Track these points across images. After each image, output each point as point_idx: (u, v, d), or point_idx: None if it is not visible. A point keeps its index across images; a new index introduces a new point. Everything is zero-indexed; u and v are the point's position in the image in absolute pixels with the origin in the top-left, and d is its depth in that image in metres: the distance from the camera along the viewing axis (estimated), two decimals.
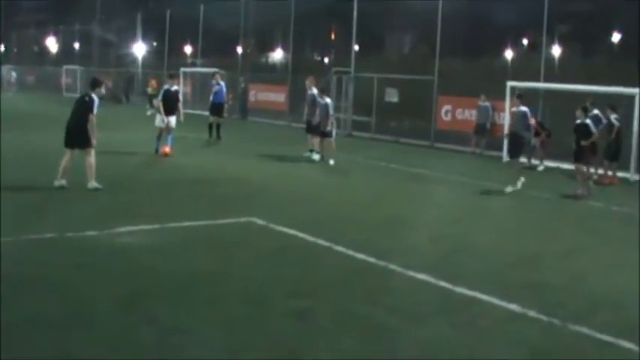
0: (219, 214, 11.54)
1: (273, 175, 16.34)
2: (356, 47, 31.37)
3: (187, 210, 11.87)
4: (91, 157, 13.09)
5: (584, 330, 7.10)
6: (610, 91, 19.99)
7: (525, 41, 47.39)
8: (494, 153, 22.10)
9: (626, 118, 19.77)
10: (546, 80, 23.12)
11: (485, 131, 23.27)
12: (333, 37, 53.25)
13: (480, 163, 21.30)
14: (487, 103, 23.33)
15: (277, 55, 54.90)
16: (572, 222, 13.36)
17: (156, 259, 8.89)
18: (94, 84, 13.59)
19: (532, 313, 7.49)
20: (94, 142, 13.01)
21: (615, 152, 18.26)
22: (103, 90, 13.74)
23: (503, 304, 7.76)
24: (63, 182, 13.07)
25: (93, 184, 13.02)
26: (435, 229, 11.75)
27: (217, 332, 6.56)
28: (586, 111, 16.04)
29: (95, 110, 13.10)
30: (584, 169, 16.00)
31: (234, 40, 40.42)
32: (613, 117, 18.22)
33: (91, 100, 13.14)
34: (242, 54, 38.81)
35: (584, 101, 17.84)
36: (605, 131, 18.06)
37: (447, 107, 25.98)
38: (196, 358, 6.03)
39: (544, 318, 7.36)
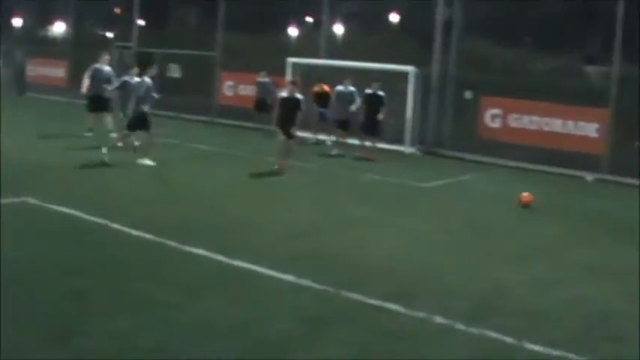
0: None
1: (51, 153, 15.67)
2: (141, 22, 30.94)
3: None
4: None
5: (356, 296, 7.45)
6: (387, 69, 21.09)
7: (310, 19, 48.40)
8: (274, 128, 22.55)
9: (401, 95, 21.03)
10: (331, 57, 23.89)
11: (267, 107, 23.70)
12: (117, 11, 51.87)
13: (261, 138, 21.71)
14: (267, 79, 23.78)
15: (58, 28, 52.78)
16: (350, 194, 13.87)
17: None
18: None
19: (306, 282, 7.76)
20: None
21: (367, 127, 18.98)
22: None
23: (279, 275, 7.98)
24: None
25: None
26: (215, 203, 11.90)
27: None
28: (294, 84, 15.86)
29: None
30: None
31: (9, 11, 38.49)
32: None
33: None
34: (19, 27, 37.14)
35: (366, 78, 18.88)
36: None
37: (229, 83, 26.32)
38: None
39: (317, 286, 7.65)
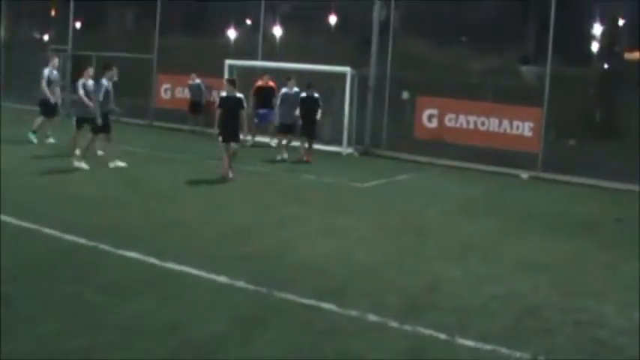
0: None
1: None
2: (78, 24, 30.54)
3: None
4: None
5: (289, 296, 7.42)
6: (325, 70, 21.13)
7: (249, 21, 48.29)
8: (212, 130, 22.45)
9: (339, 96, 21.11)
10: (269, 59, 23.82)
11: (201, 108, 23.67)
12: (53, 13, 51.06)
13: (198, 140, 21.65)
14: (198, 81, 23.80)
15: None
16: (287, 195, 13.86)
17: None
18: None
19: (240, 284, 7.71)
20: None
21: (305, 129, 18.79)
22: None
23: (212, 276, 7.92)
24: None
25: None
26: (148, 206, 11.75)
27: None
28: (231, 83, 15.59)
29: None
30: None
31: None
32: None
33: None
34: None
35: (304, 79, 18.92)
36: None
37: (166, 85, 26.13)
38: None
39: (251, 287, 7.61)
